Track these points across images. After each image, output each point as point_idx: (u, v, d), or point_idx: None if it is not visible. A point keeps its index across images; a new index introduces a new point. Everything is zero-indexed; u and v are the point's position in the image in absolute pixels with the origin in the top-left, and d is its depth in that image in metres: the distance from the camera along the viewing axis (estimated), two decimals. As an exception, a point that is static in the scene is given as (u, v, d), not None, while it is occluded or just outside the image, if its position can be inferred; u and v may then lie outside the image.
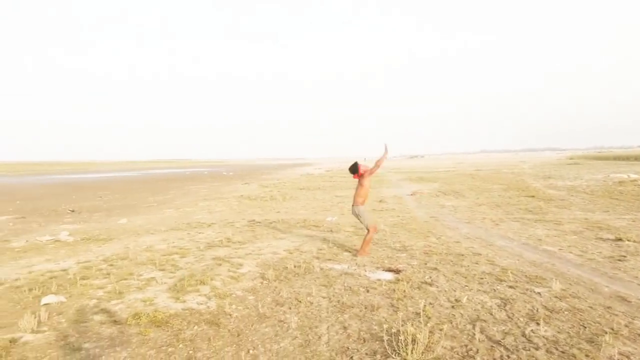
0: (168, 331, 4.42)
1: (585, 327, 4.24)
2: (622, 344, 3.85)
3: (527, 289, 5.44)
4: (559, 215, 11.39)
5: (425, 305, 4.86)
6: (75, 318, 4.82)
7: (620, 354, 3.64)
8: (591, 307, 4.78)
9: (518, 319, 4.51)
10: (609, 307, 4.77)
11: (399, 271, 6.40)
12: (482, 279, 5.96)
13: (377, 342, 4.01)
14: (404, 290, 5.44)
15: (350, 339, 4.12)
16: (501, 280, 5.83)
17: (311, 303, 5.14)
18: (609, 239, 8.33)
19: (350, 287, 5.70)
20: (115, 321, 4.70)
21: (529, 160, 65.28)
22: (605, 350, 3.70)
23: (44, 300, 5.34)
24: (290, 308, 5.00)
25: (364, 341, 4.07)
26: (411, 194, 18.73)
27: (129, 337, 4.29)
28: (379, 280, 6.03)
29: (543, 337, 4.04)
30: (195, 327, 4.53)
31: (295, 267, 6.74)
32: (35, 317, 4.62)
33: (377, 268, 6.67)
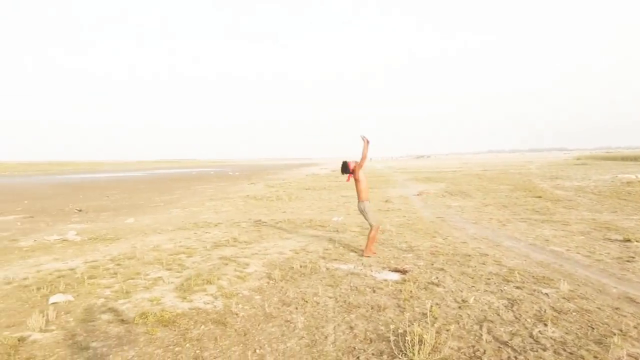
0: (175, 330, 4.44)
1: (594, 329, 4.21)
2: (630, 345, 3.82)
3: (534, 290, 5.42)
4: (566, 216, 11.32)
5: (432, 306, 4.85)
6: (82, 317, 4.85)
7: (629, 355, 3.62)
8: (599, 308, 4.75)
9: (525, 319, 4.49)
10: (617, 309, 4.74)
11: (406, 271, 6.39)
12: (489, 279, 5.94)
13: (384, 343, 4.00)
14: (411, 291, 5.43)
15: (357, 339, 4.11)
16: (508, 281, 5.81)
17: (317, 303, 5.14)
18: (617, 239, 8.27)
19: (356, 287, 5.70)
20: (122, 320, 4.73)
21: (536, 161, 64.95)
22: (613, 352, 3.67)
23: (52, 299, 5.38)
24: (296, 308, 5.01)
25: (371, 341, 4.06)
26: (417, 194, 18.69)
27: (136, 337, 4.31)
28: (385, 280, 6.02)
29: (551, 338, 4.02)
30: (202, 326, 4.54)
31: (301, 267, 6.75)
32: (43, 316, 4.65)
33: (384, 268, 6.66)
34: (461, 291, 5.44)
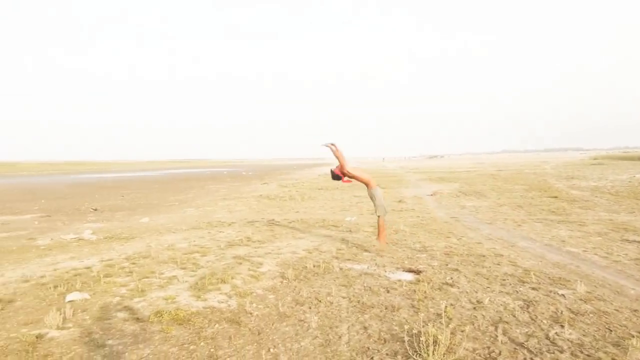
0: (190, 329, 4.47)
1: (611, 331, 4.15)
2: (649, 348, 3.76)
3: (550, 291, 5.36)
4: (582, 216, 11.18)
5: (446, 307, 4.82)
6: (99, 315, 4.90)
7: (648, 358, 3.56)
8: (617, 310, 4.68)
9: (541, 321, 4.44)
10: (635, 310, 4.67)
11: (420, 272, 6.36)
12: (504, 280, 5.88)
13: (398, 343, 3.99)
14: (425, 291, 5.40)
15: (371, 340, 4.11)
16: (524, 282, 5.75)
17: (331, 303, 5.14)
18: (635, 240, 8.15)
19: (370, 288, 5.68)
20: (137, 319, 4.77)
21: (552, 161, 64.15)
22: (632, 354, 3.62)
23: (69, 297, 5.45)
24: (310, 307, 5.01)
25: (385, 342, 4.05)
26: (431, 194, 18.60)
27: (151, 335, 4.34)
28: (399, 280, 6.00)
29: (567, 340, 3.97)
30: (217, 325, 4.57)
31: (314, 266, 6.75)
32: (60, 314, 4.71)
33: (397, 268, 6.64)
34: (476, 292, 5.40)
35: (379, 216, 7.84)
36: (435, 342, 3.66)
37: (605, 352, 3.69)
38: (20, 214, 16.24)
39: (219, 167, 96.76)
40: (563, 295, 5.20)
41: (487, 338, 4.06)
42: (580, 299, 5.03)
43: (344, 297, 5.32)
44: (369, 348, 3.93)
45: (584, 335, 4.07)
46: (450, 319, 4.50)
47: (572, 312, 4.64)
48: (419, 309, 4.86)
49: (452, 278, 6.02)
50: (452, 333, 4.08)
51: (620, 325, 4.27)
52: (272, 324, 4.56)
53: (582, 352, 3.71)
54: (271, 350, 3.96)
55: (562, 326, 4.25)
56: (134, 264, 7.29)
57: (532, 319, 4.49)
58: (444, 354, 3.63)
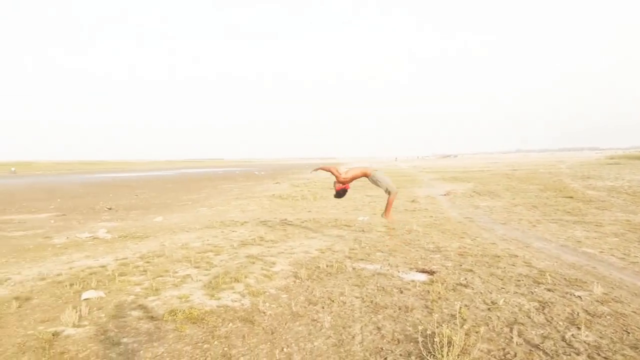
0: (203, 328, 4.49)
1: (629, 333, 4.09)
2: (669, 351, 3.70)
3: (566, 292, 5.29)
4: (599, 217, 11.02)
5: (460, 307, 4.79)
6: (114, 313, 4.96)
7: (667, 361, 3.50)
8: (635, 312, 4.60)
9: (557, 322, 4.38)
10: (654, 313, 4.59)
11: (433, 272, 6.33)
12: (519, 281, 5.82)
13: (412, 344, 3.97)
14: (439, 292, 5.37)
15: (385, 340, 4.09)
16: (539, 283, 5.69)
17: (344, 303, 5.13)
18: (653, 241, 8.01)
19: (383, 288, 5.67)
20: (152, 317, 4.81)
21: (567, 160, 63.34)
22: (651, 358, 3.56)
23: (84, 295, 5.51)
24: (323, 307, 5.01)
25: (398, 342, 4.04)
26: (444, 194, 18.48)
27: (165, 333, 4.38)
28: (412, 281, 5.97)
29: (584, 342, 3.92)
30: (230, 324, 4.59)
31: (327, 266, 6.75)
32: (76, 312, 4.77)
33: (411, 269, 6.60)
34: (490, 293, 5.35)
35: (389, 192, 7.95)
36: (449, 343, 3.64)
37: (623, 355, 3.64)
38: (37, 212, 16.49)
39: (231, 166, 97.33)
40: (579, 296, 5.13)
41: (502, 339, 4.02)
42: (597, 301, 4.96)
43: (357, 297, 5.31)
44: (382, 348, 3.92)
45: (601, 337, 4.01)
46: (465, 320, 4.47)
47: (589, 314, 4.58)
48: (432, 309, 4.83)
49: (466, 279, 5.97)
50: (466, 334, 4.05)
51: (638, 328, 4.20)
52: (285, 324, 4.57)
53: (599, 355, 3.66)
54: (284, 349, 3.96)
55: (579, 328, 4.19)
56: (148, 262, 7.35)
57: (548, 321, 4.44)
58: (459, 355, 3.61)
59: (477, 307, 4.87)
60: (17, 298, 5.50)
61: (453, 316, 4.54)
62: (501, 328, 4.28)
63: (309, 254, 7.77)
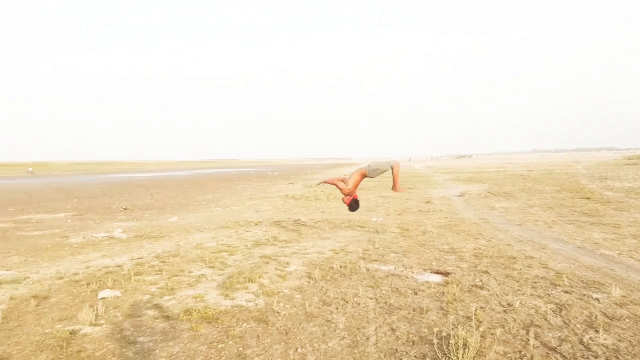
0: (218, 327, 4.52)
1: (649, 337, 4.02)
2: (690, 355, 3.62)
3: (583, 295, 5.22)
4: (617, 218, 10.84)
5: (476, 309, 4.75)
6: (129, 312, 5.01)
7: (688, 366, 3.43)
8: (655, 316, 4.53)
9: (575, 325, 4.33)
10: (675, 316, 4.51)
11: (448, 274, 6.29)
12: (535, 283, 5.76)
13: (427, 345, 3.95)
14: (454, 293, 5.33)
15: (399, 341, 4.08)
16: (556, 285, 5.62)
17: (358, 304, 5.12)
18: (673, 243, 7.86)
19: (397, 289, 5.64)
20: (167, 316, 4.86)
21: (584, 161, 62.44)
22: (671, 362, 3.50)
23: (101, 294, 5.59)
24: (337, 308, 5.01)
25: (413, 344, 4.02)
26: (459, 195, 18.34)
27: (180, 333, 4.42)
28: (427, 282, 5.94)
29: (602, 345, 3.86)
30: (244, 324, 4.61)
31: (341, 267, 6.75)
32: (93, 311, 4.84)
33: (425, 270, 6.57)
34: (506, 294, 5.30)
35: (392, 168, 7.92)
36: (465, 345, 3.61)
37: (643, 359, 3.58)
38: (54, 212, 16.73)
39: (245, 167, 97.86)
40: (597, 299, 5.06)
41: (518, 342, 3.98)
42: (616, 303, 4.89)
43: (371, 298, 5.30)
44: (397, 350, 3.90)
45: (619, 340, 3.95)
46: (480, 322, 4.43)
47: (607, 317, 4.51)
48: (447, 311, 4.80)
49: (481, 280, 5.93)
50: (482, 336, 4.02)
51: (659, 331, 4.13)
52: (300, 324, 4.57)
53: (617, 358, 3.61)
54: (299, 350, 3.97)
55: (597, 331, 4.13)
56: (163, 262, 7.42)
57: (565, 323, 4.38)
58: (474, 357, 3.58)
59: (492, 309, 4.83)
60: (35, 297, 5.59)
61: (468, 318, 4.51)
62: (517, 330, 4.23)
63: (322, 254, 7.77)
